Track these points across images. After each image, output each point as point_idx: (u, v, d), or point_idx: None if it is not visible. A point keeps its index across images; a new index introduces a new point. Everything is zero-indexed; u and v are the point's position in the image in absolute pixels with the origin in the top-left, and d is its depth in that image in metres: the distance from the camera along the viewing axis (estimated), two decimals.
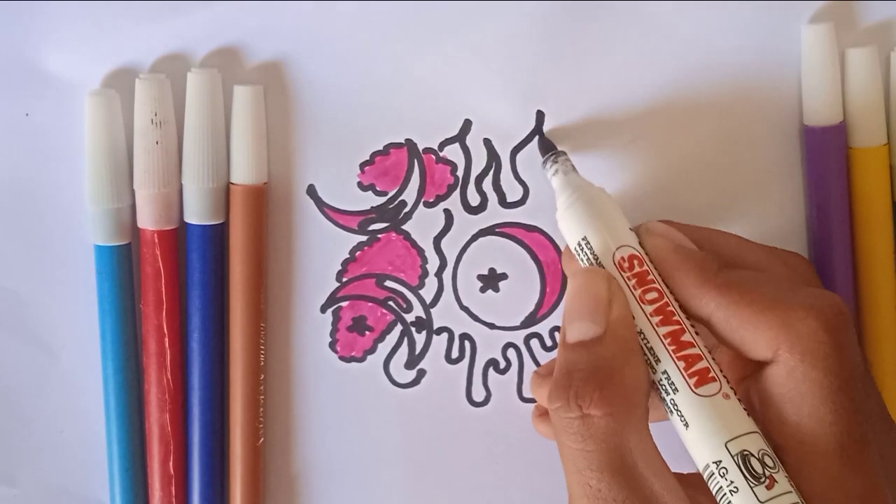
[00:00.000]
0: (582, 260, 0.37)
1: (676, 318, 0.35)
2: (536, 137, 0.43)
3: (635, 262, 0.36)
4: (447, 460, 0.45)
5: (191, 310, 0.43)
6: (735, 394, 0.34)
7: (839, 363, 0.33)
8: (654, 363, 0.35)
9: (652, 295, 0.35)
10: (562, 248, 0.43)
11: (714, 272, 0.35)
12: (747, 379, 0.36)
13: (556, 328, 0.44)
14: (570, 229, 0.38)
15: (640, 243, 0.37)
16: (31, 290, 0.44)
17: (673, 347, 0.34)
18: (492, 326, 0.44)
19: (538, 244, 0.44)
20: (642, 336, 0.35)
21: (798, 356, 0.33)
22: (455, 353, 0.44)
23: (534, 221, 0.44)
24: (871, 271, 0.43)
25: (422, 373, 0.44)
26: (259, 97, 0.43)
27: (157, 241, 0.42)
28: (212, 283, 0.43)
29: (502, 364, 0.44)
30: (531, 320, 0.44)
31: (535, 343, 0.44)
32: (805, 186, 0.44)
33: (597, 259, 0.37)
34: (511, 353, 0.44)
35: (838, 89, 0.43)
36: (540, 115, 0.43)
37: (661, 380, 0.34)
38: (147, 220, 0.42)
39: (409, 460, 0.45)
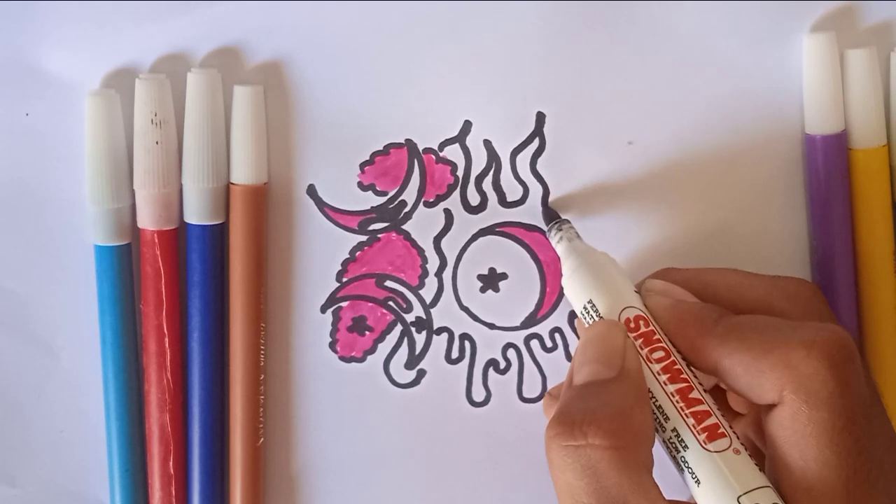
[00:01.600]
0: (588, 322, 0.37)
1: (684, 375, 0.35)
2: (541, 208, 0.44)
3: (641, 322, 0.36)
4: (447, 460, 0.45)
5: (191, 310, 0.43)
6: (745, 449, 0.34)
7: (843, 401, 0.32)
8: (663, 421, 0.34)
9: (659, 354, 0.35)
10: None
11: (714, 322, 0.35)
12: (756, 424, 0.36)
13: (557, 329, 0.44)
14: (575, 293, 0.38)
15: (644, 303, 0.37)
16: (31, 290, 0.44)
17: (682, 405, 0.34)
18: (492, 327, 0.44)
19: (538, 244, 0.44)
20: (651, 396, 0.35)
21: (803, 397, 0.32)
22: (455, 354, 0.44)
23: (534, 221, 0.44)
24: (872, 273, 0.43)
25: (422, 373, 0.44)
26: (259, 97, 0.43)
27: (157, 241, 0.42)
28: (212, 283, 0.43)
29: (502, 364, 0.44)
30: (531, 321, 0.44)
31: (535, 344, 0.44)
32: (806, 193, 0.44)
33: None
34: (511, 353, 0.44)
35: (840, 98, 0.43)
36: (540, 117, 0.43)
37: (670, 437, 0.34)
38: (147, 220, 0.42)
39: (409, 460, 0.45)
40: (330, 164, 0.44)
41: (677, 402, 0.34)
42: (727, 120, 0.43)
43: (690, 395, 0.34)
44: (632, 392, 0.34)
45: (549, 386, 0.44)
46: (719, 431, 0.33)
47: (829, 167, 0.43)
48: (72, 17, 0.43)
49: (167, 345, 0.43)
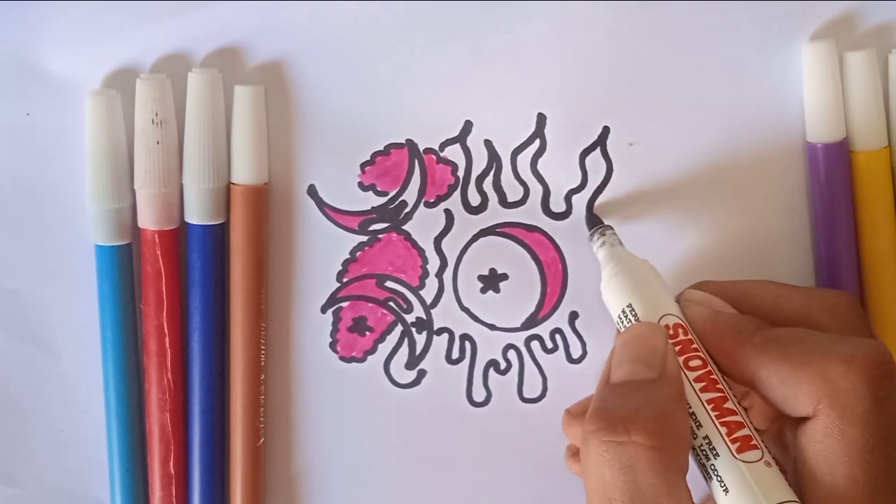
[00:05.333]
0: (624, 328, 0.37)
1: (720, 385, 0.35)
2: (585, 213, 0.44)
3: (680, 330, 0.36)
4: (447, 460, 0.45)
5: (191, 310, 0.43)
6: (776, 463, 0.34)
7: (878, 419, 0.32)
8: (695, 429, 0.34)
9: (696, 362, 0.35)
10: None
11: (752, 332, 0.35)
12: (778, 440, 0.36)
13: (557, 330, 0.44)
14: (614, 298, 0.38)
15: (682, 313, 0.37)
16: (32, 290, 0.44)
17: (715, 413, 0.34)
18: (492, 327, 0.44)
19: (539, 244, 0.44)
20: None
21: (838, 412, 0.32)
22: (455, 354, 0.44)
23: (534, 221, 0.44)
24: (876, 275, 0.43)
25: (422, 373, 0.44)
26: (260, 97, 0.43)
27: (157, 241, 0.42)
28: (212, 283, 0.43)
29: (503, 365, 0.44)
30: (532, 322, 0.44)
31: (535, 345, 0.44)
32: (809, 200, 0.44)
33: None
34: (511, 354, 0.44)
35: (840, 106, 0.43)
36: (541, 118, 0.43)
37: (701, 445, 0.34)
38: (148, 220, 0.42)
39: (409, 460, 0.45)
40: (330, 164, 0.44)
41: (711, 410, 0.34)
42: (728, 125, 0.43)
43: (725, 406, 0.34)
44: (672, 394, 0.34)
45: (550, 386, 0.44)
46: (751, 443, 0.33)
47: (831, 176, 0.43)
48: (72, 17, 0.43)
49: (168, 345, 0.43)
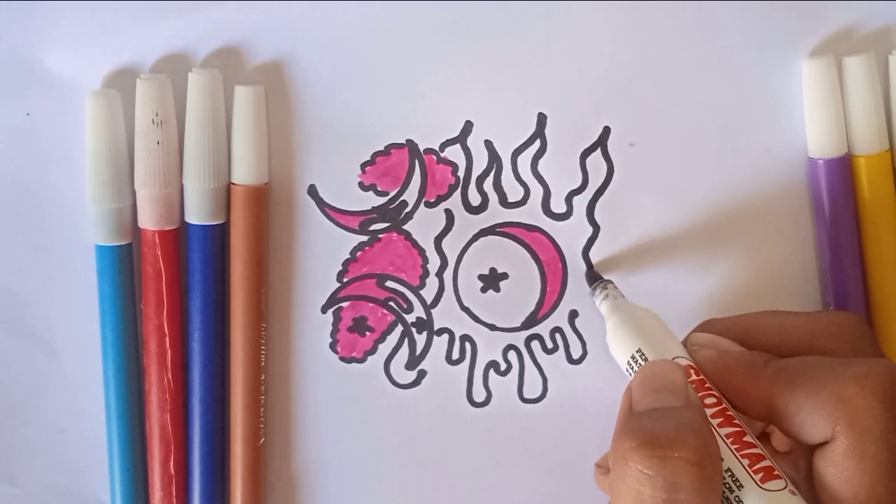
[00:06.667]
0: (634, 372, 0.37)
1: (736, 421, 0.35)
2: (585, 269, 0.44)
3: (692, 371, 0.36)
4: (447, 461, 0.45)
5: (191, 310, 0.43)
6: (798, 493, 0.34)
7: None
8: None
9: (710, 400, 0.35)
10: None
11: (761, 366, 0.35)
12: (801, 465, 0.36)
13: (557, 329, 0.44)
14: (623, 345, 0.38)
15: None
16: (32, 290, 0.44)
17: (736, 446, 0.34)
18: (492, 328, 0.44)
19: (539, 244, 0.44)
20: None
21: (857, 431, 0.32)
22: (456, 354, 0.44)
23: (534, 221, 0.44)
24: (881, 280, 0.43)
25: (422, 373, 0.44)
26: (260, 97, 0.43)
27: (157, 241, 0.42)
28: (212, 283, 0.43)
29: (503, 366, 0.44)
30: (532, 321, 0.44)
31: (535, 345, 0.44)
32: (812, 214, 0.44)
33: None
34: (511, 354, 0.44)
35: (841, 122, 0.43)
36: (541, 118, 0.43)
37: (724, 478, 0.34)
38: (148, 220, 0.42)
39: (409, 461, 0.45)
40: (331, 164, 0.44)
41: (731, 443, 0.34)
42: (729, 124, 0.43)
43: (744, 439, 0.34)
44: (702, 419, 0.33)
45: (550, 387, 0.44)
46: (774, 473, 0.33)
47: (834, 191, 0.43)
48: (73, 17, 0.43)
49: (168, 345, 0.43)
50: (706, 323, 0.39)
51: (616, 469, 0.32)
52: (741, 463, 0.34)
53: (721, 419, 0.34)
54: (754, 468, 0.33)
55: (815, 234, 0.44)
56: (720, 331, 0.38)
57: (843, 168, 0.43)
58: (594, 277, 0.43)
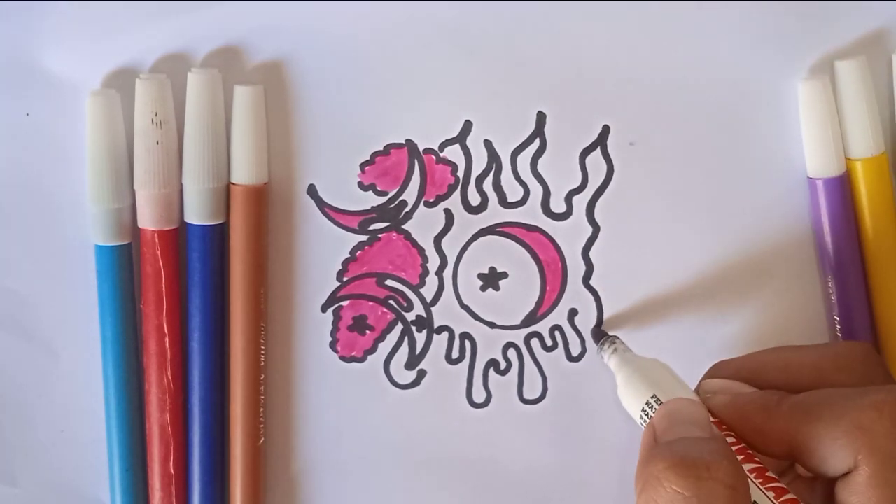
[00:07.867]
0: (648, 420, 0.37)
1: (757, 459, 0.34)
2: (591, 328, 0.44)
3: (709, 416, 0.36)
4: (447, 461, 0.45)
5: (191, 310, 0.43)
6: None
7: None
8: None
9: (730, 440, 0.35)
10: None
11: (777, 404, 0.35)
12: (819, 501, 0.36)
13: (557, 327, 0.44)
14: (636, 394, 0.37)
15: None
16: (32, 290, 0.44)
17: (759, 481, 0.34)
18: (492, 325, 0.44)
19: (538, 244, 0.44)
20: None
21: (879, 458, 0.32)
22: (455, 354, 0.44)
23: (534, 221, 0.44)
24: (883, 283, 0.43)
25: (422, 373, 0.44)
26: (259, 97, 0.43)
27: (157, 241, 0.42)
28: (212, 283, 0.43)
29: (503, 365, 0.44)
30: (531, 319, 0.44)
31: (535, 343, 0.44)
32: (813, 231, 0.44)
33: None
34: (511, 353, 0.44)
35: (839, 141, 0.43)
36: (540, 116, 0.43)
37: None
38: (147, 220, 0.42)
39: (409, 461, 0.45)
40: (330, 163, 0.44)
41: (755, 478, 0.34)
42: (730, 124, 0.43)
43: (767, 475, 0.34)
44: (728, 448, 0.33)
45: (550, 387, 0.44)
46: None
47: (834, 210, 0.43)
48: (72, 17, 0.43)
49: (167, 345, 0.43)
50: (715, 367, 0.39)
51: (647, 492, 0.32)
52: (767, 496, 0.33)
53: (742, 456, 0.34)
54: (780, 500, 0.33)
55: (816, 252, 0.44)
56: (730, 374, 0.38)
57: (842, 187, 0.43)
58: (601, 334, 0.43)
